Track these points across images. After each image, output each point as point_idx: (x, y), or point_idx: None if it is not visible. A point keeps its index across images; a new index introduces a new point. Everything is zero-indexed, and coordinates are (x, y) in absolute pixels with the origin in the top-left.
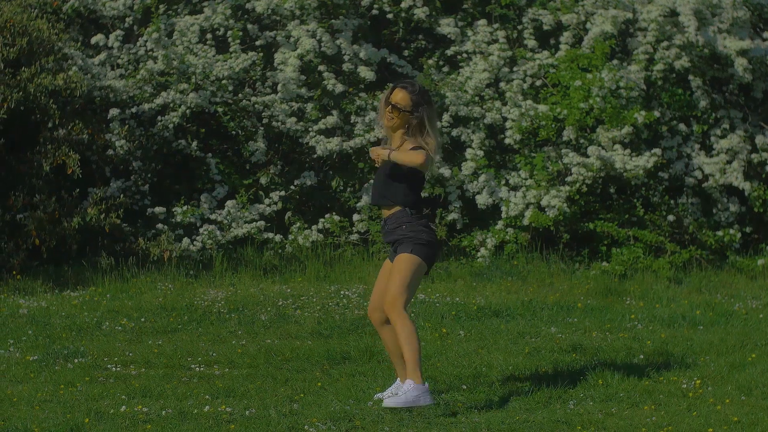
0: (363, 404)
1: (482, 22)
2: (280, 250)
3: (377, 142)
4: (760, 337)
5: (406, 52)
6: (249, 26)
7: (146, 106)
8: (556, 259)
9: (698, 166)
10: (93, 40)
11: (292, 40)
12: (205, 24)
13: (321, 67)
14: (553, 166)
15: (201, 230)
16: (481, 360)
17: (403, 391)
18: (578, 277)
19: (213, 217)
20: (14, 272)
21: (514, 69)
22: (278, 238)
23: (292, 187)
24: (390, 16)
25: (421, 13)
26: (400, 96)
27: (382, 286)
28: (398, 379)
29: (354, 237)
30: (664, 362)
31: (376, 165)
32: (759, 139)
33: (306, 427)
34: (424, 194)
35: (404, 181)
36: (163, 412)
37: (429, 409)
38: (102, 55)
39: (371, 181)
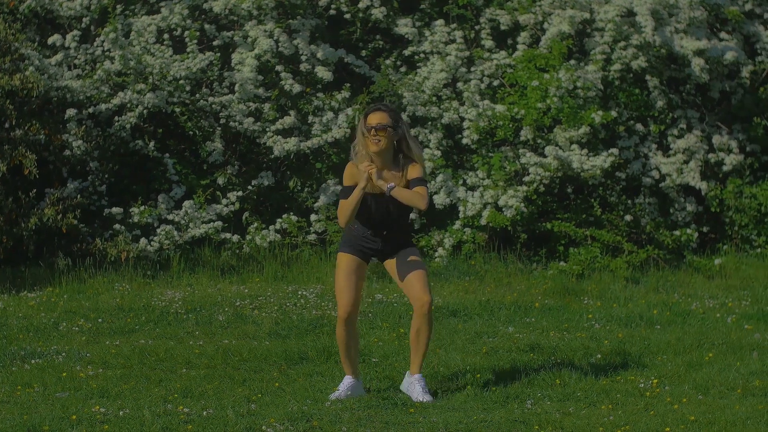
0: (321, 404)
1: (440, 22)
2: (237, 251)
3: (335, 143)
4: (717, 337)
5: (363, 53)
6: (206, 26)
7: (103, 106)
8: (514, 259)
9: (655, 165)
10: (50, 41)
11: (249, 40)
12: (162, 24)
13: (278, 68)
14: (511, 166)
15: (158, 230)
16: (438, 360)
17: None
18: (536, 277)
19: (170, 217)
20: None
21: (472, 69)
22: (236, 238)
23: (250, 187)
24: (347, 16)
25: (378, 13)
26: (379, 117)
27: (359, 285)
28: (349, 376)
29: (311, 237)
30: (621, 362)
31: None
32: (716, 139)
33: (264, 427)
34: None
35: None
36: (121, 413)
37: (386, 409)
38: (59, 56)
39: (328, 181)
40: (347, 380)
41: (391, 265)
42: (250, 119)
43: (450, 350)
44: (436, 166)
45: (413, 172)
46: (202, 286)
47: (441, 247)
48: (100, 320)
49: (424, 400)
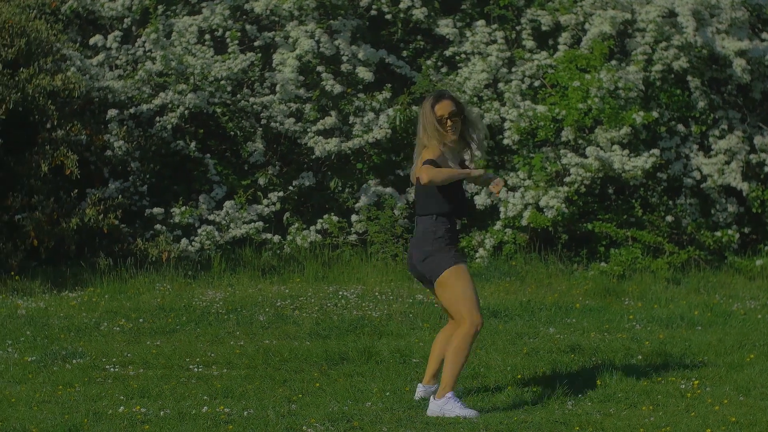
0: (361, 405)
1: (481, 22)
2: (278, 251)
3: (376, 143)
4: (759, 338)
5: (404, 53)
6: (247, 27)
7: (144, 106)
8: (555, 260)
9: (696, 166)
10: (91, 41)
11: (290, 40)
12: (203, 25)
13: (319, 68)
14: (552, 166)
15: (199, 231)
16: (479, 360)
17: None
18: (576, 278)
19: (211, 217)
20: (12, 273)
21: (513, 69)
22: (276, 238)
23: (291, 187)
24: (388, 16)
25: (419, 13)
26: (450, 105)
27: None
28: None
29: (352, 237)
30: (662, 363)
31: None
32: (757, 140)
33: (304, 427)
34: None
35: None
36: (162, 413)
37: (427, 409)
38: (100, 56)
39: (369, 182)
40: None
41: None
42: (291, 120)
43: (491, 351)
44: (477, 166)
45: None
46: (243, 286)
47: (482, 248)
48: (141, 320)
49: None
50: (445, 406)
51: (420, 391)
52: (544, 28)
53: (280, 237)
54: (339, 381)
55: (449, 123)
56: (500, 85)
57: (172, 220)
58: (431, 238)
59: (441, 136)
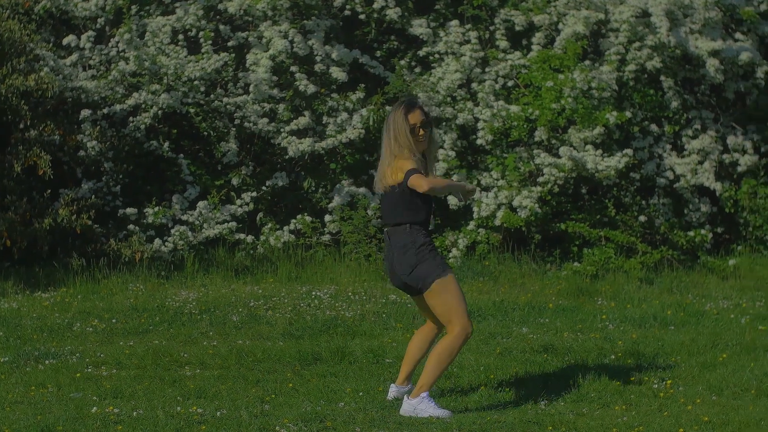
0: (334, 405)
1: (454, 22)
2: (251, 251)
3: (349, 143)
4: (731, 338)
5: (378, 53)
6: (221, 27)
7: (118, 107)
8: (528, 260)
9: (670, 166)
10: (65, 41)
11: (264, 40)
12: (177, 25)
13: (293, 68)
14: (525, 166)
15: (172, 231)
16: None
17: None
18: (550, 278)
19: (184, 218)
20: None
21: (486, 70)
22: (250, 238)
23: (264, 187)
24: (362, 16)
25: (393, 13)
26: (421, 114)
27: None
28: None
29: (325, 238)
30: (635, 362)
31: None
32: (730, 140)
33: (277, 428)
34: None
35: None
36: (135, 413)
37: (400, 409)
38: (74, 56)
39: (342, 182)
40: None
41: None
42: (265, 120)
43: (464, 351)
44: (451, 166)
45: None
46: (216, 286)
47: (455, 248)
48: (114, 320)
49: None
50: (419, 405)
51: (393, 391)
52: (517, 28)
53: (253, 237)
54: (312, 381)
55: (421, 132)
56: (474, 85)
57: (145, 221)
58: (413, 249)
59: (412, 146)
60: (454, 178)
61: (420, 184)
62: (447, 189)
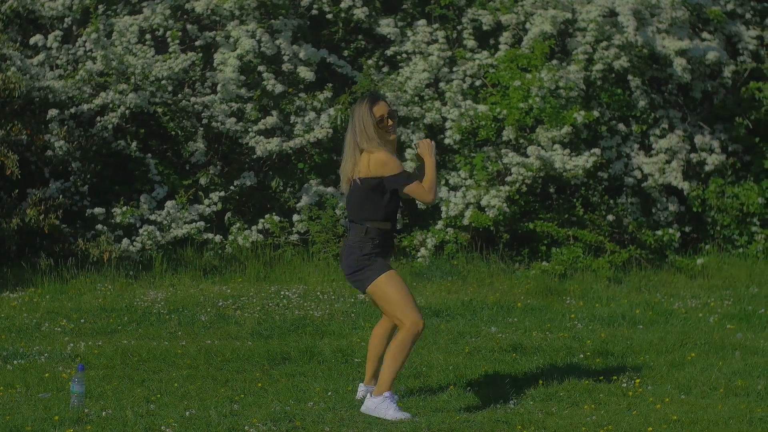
0: (303, 404)
1: (422, 22)
2: (219, 251)
3: (317, 143)
4: (700, 336)
5: (345, 53)
6: (188, 26)
7: (85, 106)
8: (496, 259)
9: (637, 165)
10: (32, 41)
11: (231, 40)
12: (144, 24)
13: (260, 68)
14: (493, 166)
15: (140, 231)
16: (421, 360)
17: None
18: (518, 277)
19: (152, 217)
20: None
21: (454, 69)
22: (218, 238)
23: (232, 187)
24: (329, 16)
25: (360, 13)
26: (386, 106)
27: None
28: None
29: (294, 237)
30: (603, 362)
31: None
32: (698, 139)
33: (246, 427)
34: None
35: None
36: (103, 413)
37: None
38: (41, 56)
39: (310, 181)
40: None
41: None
42: (233, 119)
43: (432, 350)
44: (419, 166)
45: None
46: (185, 286)
47: (423, 247)
48: (82, 320)
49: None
50: (380, 404)
51: (361, 390)
52: (485, 27)
53: (221, 237)
54: (281, 381)
55: (390, 122)
56: (441, 84)
57: (113, 220)
58: (358, 254)
59: (382, 136)
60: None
61: (422, 195)
62: (435, 177)
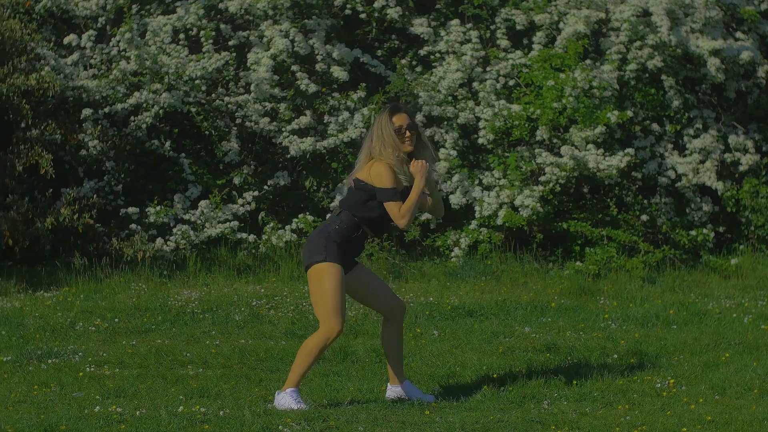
0: (337, 404)
1: (455, 22)
2: (253, 250)
3: (351, 143)
4: (734, 337)
5: (379, 52)
6: (222, 26)
7: (119, 106)
8: (530, 259)
9: (671, 165)
10: (66, 40)
11: (265, 40)
12: (177, 24)
13: (294, 67)
14: (527, 165)
15: (174, 230)
16: (455, 360)
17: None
18: (552, 277)
19: (186, 217)
20: None
21: (487, 69)
22: (252, 238)
23: (266, 187)
24: (363, 16)
25: (393, 13)
26: (407, 118)
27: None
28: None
29: None
30: (637, 362)
31: (405, 183)
32: (732, 139)
33: (280, 427)
34: None
35: None
36: (137, 413)
37: (403, 409)
38: (75, 55)
39: (344, 180)
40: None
41: (361, 276)
42: (266, 119)
43: (466, 350)
44: (452, 166)
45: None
46: (219, 285)
47: (457, 247)
48: (116, 320)
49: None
50: (281, 400)
51: (390, 391)
52: (518, 27)
53: (255, 236)
54: (315, 380)
55: (407, 134)
56: (475, 84)
57: (147, 220)
58: (323, 232)
59: (397, 146)
60: (455, 177)
61: (395, 217)
62: (417, 204)
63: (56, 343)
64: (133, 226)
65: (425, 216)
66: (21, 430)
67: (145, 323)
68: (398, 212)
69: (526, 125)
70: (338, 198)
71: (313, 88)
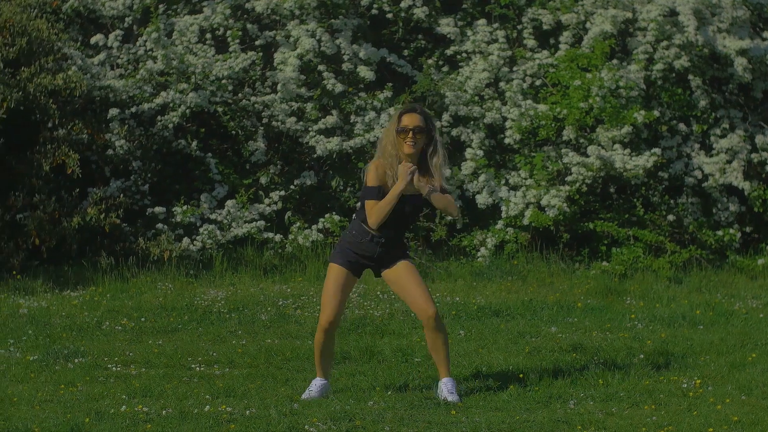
0: (363, 403)
1: (482, 21)
2: (280, 250)
3: (377, 143)
4: (761, 337)
5: (405, 52)
6: (248, 26)
7: (146, 105)
8: (556, 259)
9: (698, 165)
10: (92, 40)
11: (291, 39)
12: (204, 24)
13: (320, 67)
14: (553, 165)
15: (201, 230)
16: (481, 360)
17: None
18: (578, 277)
19: (213, 216)
20: (14, 272)
21: (514, 69)
22: (278, 237)
23: (292, 186)
24: (389, 15)
25: (420, 12)
26: (415, 119)
27: (345, 298)
28: (320, 377)
29: None
30: (664, 362)
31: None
32: (759, 139)
33: (306, 426)
34: None
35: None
36: (164, 412)
37: (429, 408)
38: (101, 55)
39: None
40: (318, 381)
41: (390, 276)
42: (293, 119)
43: (492, 350)
44: (479, 165)
45: (438, 178)
46: (245, 285)
47: (483, 247)
48: (143, 319)
49: (451, 400)
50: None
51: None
52: (545, 27)
53: (281, 236)
54: (341, 380)
55: (410, 135)
56: (501, 84)
57: (173, 219)
58: (343, 234)
59: (397, 146)
60: (482, 177)
61: (368, 214)
62: (391, 204)
63: (83, 342)
64: (159, 225)
65: (449, 217)
66: (47, 430)
67: (171, 323)
68: (371, 210)
69: (553, 125)
70: None
71: (339, 87)
